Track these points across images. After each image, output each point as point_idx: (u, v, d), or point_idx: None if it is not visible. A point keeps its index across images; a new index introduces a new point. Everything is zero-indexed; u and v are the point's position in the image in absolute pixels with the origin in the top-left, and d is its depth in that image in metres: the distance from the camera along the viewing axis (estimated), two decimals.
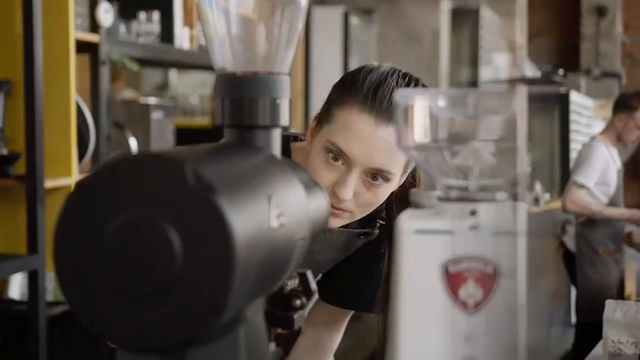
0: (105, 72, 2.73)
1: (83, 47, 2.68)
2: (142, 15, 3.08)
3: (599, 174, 4.16)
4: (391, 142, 1.22)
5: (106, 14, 2.69)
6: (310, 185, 0.90)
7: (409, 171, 1.33)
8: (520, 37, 5.53)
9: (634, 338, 1.92)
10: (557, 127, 7.28)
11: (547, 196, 6.58)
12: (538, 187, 6.53)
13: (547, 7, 8.26)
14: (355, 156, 1.23)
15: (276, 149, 0.85)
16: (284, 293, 0.89)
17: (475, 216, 0.71)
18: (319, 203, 0.89)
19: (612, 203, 4.23)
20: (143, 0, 3.04)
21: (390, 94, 1.25)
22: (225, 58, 0.86)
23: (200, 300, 0.63)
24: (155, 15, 3.07)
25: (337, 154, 1.24)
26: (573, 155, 7.23)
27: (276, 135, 0.85)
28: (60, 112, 2.51)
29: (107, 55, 2.71)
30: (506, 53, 5.41)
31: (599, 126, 8.48)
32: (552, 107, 7.02)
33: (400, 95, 0.73)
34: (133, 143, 2.96)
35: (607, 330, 1.94)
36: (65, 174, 2.54)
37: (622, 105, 4.23)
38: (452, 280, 0.70)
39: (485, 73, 5.39)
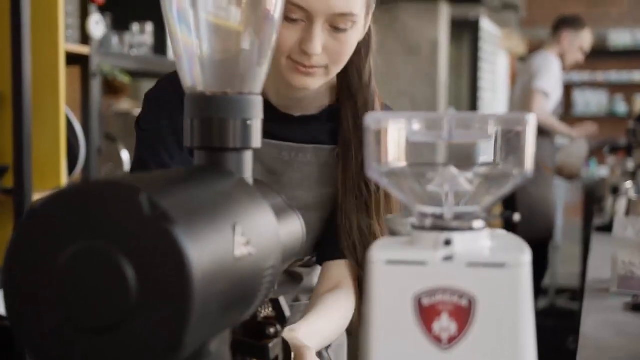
0: (96, 85, 2.70)
1: (74, 59, 2.65)
2: (135, 26, 3.05)
3: (553, 84, 4.23)
4: None
5: (97, 26, 2.66)
6: (284, 209, 0.87)
7: (371, 12, 1.30)
8: None
9: None
10: (467, 53, 7.31)
11: None
12: (452, 112, 6.54)
13: None
14: (312, 7, 1.18)
15: (247, 171, 0.82)
16: (257, 321, 0.86)
17: (450, 246, 0.68)
18: (292, 227, 0.86)
19: None
20: (136, 11, 3.02)
21: None
22: (194, 77, 0.83)
23: (155, 336, 0.60)
24: (149, 26, 3.04)
25: (294, 12, 1.19)
26: (481, 84, 7.32)
27: (247, 158, 0.82)
28: (50, 125, 2.48)
29: (98, 67, 2.68)
30: None
31: (503, 56, 8.58)
32: (461, 33, 7.06)
33: (372, 118, 0.70)
34: (125, 156, 2.93)
35: (616, 250, 1.82)
36: (55, 188, 2.51)
37: (569, 23, 4.32)
38: (426, 313, 0.67)
39: None
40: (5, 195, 2.41)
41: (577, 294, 5.25)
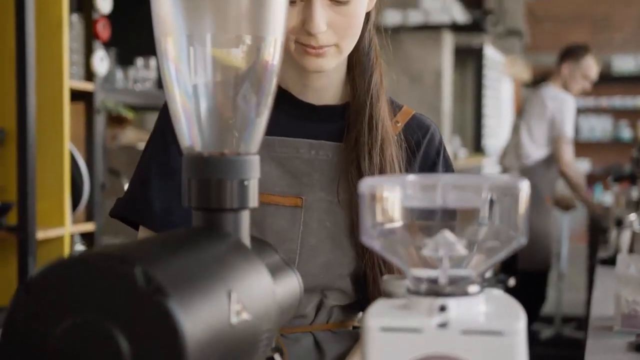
0: (100, 121, 2.72)
1: (78, 95, 2.67)
2: (140, 61, 3.07)
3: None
4: None
5: (102, 62, 2.68)
6: (280, 267, 0.87)
7: None
8: None
9: None
10: (470, 82, 7.33)
11: (463, 152, 6.56)
12: (457, 141, 6.50)
13: None
14: None
15: (244, 231, 0.82)
16: None
17: (445, 312, 0.68)
18: (288, 287, 0.86)
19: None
20: (141, 46, 3.04)
21: None
22: (192, 137, 0.83)
23: None
24: (153, 61, 3.06)
25: None
26: (485, 111, 7.33)
27: (245, 217, 0.83)
28: (54, 162, 2.49)
29: (102, 103, 2.70)
30: None
31: (507, 83, 8.62)
32: (465, 60, 7.08)
33: (366, 184, 0.71)
34: None
35: (620, 288, 1.77)
36: (59, 225, 2.52)
37: (569, 54, 4.39)
38: None
39: (414, 16, 5.38)
40: (8, 233, 2.41)
41: (584, 322, 5.22)
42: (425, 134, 1.30)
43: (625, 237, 3.00)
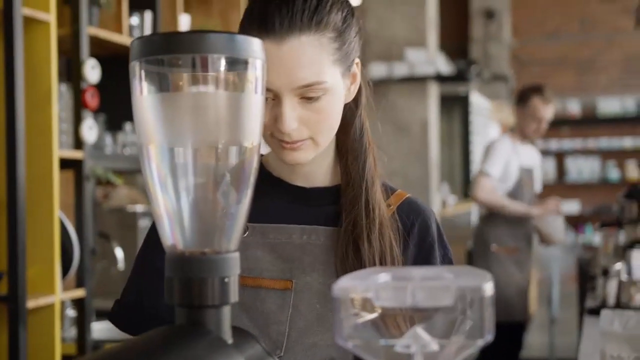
0: (89, 188, 2.75)
1: (68, 163, 2.71)
2: (128, 126, 3.12)
3: (502, 166, 4.25)
4: (306, 51, 1.14)
5: (90, 131, 2.73)
6: (262, 357, 0.90)
7: (355, 66, 1.23)
8: (431, 30, 5.58)
9: (637, 352, 1.74)
10: (457, 128, 7.39)
11: (453, 198, 6.59)
12: (445, 189, 6.53)
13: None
14: (273, 85, 1.13)
15: (226, 326, 0.86)
16: None
17: None
18: None
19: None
20: (129, 111, 3.08)
21: (284, 1, 1.15)
22: (174, 237, 0.87)
23: None
24: None
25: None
26: (474, 157, 7.38)
27: (226, 312, 0.86)
28: (44, 230, 2.52)
29: (92, 170, 2.74)
30: (422, 50, 5.44)
31: (494, 127, 8.70)
32: (451, 107, 7.14)
33: (339, 287, 0.74)
34: (119, 254, 2.97)
35: (604, 343, 1.79)
36: (49, 292, 2.54)
37: (518, 99, 4.41)
38: None
39: (399, 68, 5.45)
40: None
41: None
42: (417, 217, 1.29)
43: (612, 286, 3.03)
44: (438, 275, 0.77)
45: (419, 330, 0.75)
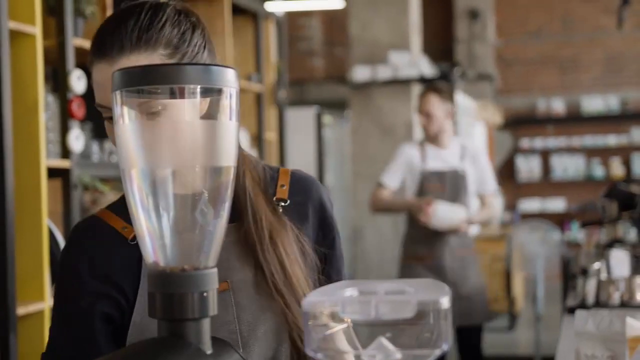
0: (76, 196, 2.80)
1: (55, 172, 2.76)
2: None
3: (401, 175, 4.14)
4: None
5: (77, 140, 2.78)
6: None
7: None
8: (414, 33, 5.63)
9: (610, 351, 1.79)
10: None
11: None
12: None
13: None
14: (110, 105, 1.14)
15: (205, 337, 0.91)
16: None
17: None
18: None
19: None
20: None
21: (117, 24, 1.20)
22: (155, 254, 0.92)
23: None
24: None
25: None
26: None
27: (205, 325, 0.92)
28: (32, 239, 2.57)
29: (79, 179, 2.79)
30: (405, 52, 5.44)
31: (480, 127, 8.79)
32: None
33: (307, 302, 0.80)
34: None
35: (579, 343, 1.82)
36: (38, 299, 2.59)
37: None
38: None
39: (383, 71, 5.46)
40: None
41: None
42: (310, 189, 1.36)
43: (591, 285, 3.09)
44: (400, 289, 0.83)
45: (383, 340, 0.81)
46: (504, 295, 7.27)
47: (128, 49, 1.19)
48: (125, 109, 0.91)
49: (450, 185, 4.16)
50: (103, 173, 3.05)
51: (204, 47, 1.26)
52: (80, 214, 2.80)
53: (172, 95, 0.92)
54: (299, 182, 1.36)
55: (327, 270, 1.37)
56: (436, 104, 4.07)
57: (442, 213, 3.99)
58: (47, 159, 2.67)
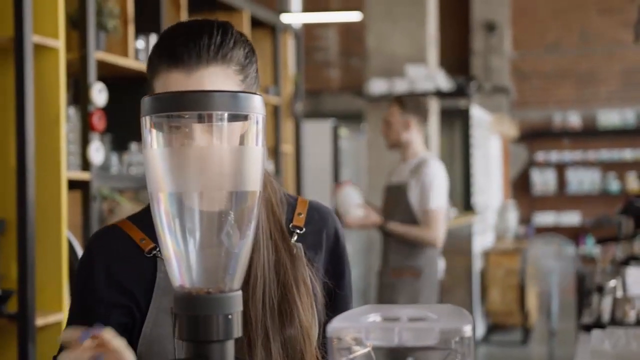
0: (95, 207, 2.83)
1: (75, 184, 2.79)
2: (134, 146, 3.20)
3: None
4: (214, 80, 1.21)
5: (97, 153, 2.81)
6: None
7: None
8: (431, 46, 5.62)
9: None
10: (458, 141, 7.44)
11: (454, 211, 6.64)
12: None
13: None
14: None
15: (229, 359, 0.93)
16: None
17: None
18: None
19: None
20: (135, 132, 3.17)
21: (191, 36, 1.22)
22: (182, 278, 0.94)
23: None
24: None
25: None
26: (474, 170, 7.42)
27: (230, 347, 0.93)
28: (52, 250, 2.60)
29: (98, 191, 2.82)
30: (422, 66, 5.45)
31: (495, 140, 8.77)
32: (452, 121, 7.18)
33: (332, 328, 0.82)
34: None
35: None
36: (57, 310, 2.61)
37: None
38: None
39: (400, 85, 5.47)
40: (9, 320, 2.50)
41: None
42: (326, 221, 1.38)
43: (607, 303, 3.08)
44: (422, 315, 0.85)
45: None
46: (517, 309, 7.25)
47: (205, 61, 1.21)
48: (154, 134, 0.92)
49: (390, 198, 4.11)
50: (121, 185, 3.08)
51: (257, 74, 1.30)
52: (98, 225, 2.82)
53: (200, 120, 0.93)
54: (315, 212, 1.38)
55: (334, 304, 1.35)
56: (395, 114, 4.07)
57: (342, 196, 3.99)
58: (68, 171, 2.70)
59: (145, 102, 0.92)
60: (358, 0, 7.02)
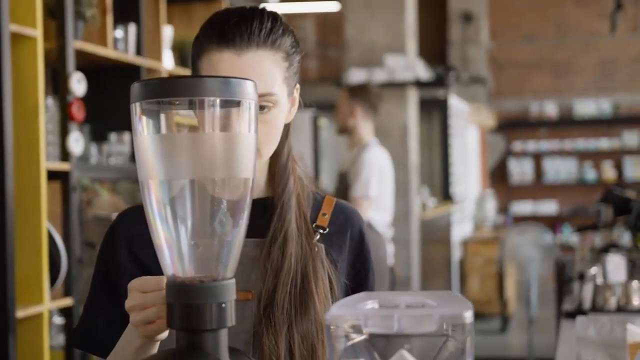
0: (75, 198, 2.80)
1: (55, 174, 2.76)
2: (113, 136, 3.17)
3: None
4: (262, 63, 1.23)
5: (77, 143, 2.77)
6: None
7: (295, 92, 1.31)
8: (410, 36, 5.64)
9: (610, 357, 1.80)
10: (436, 131, 7.49)
11: (432, 201, 6.69)
12: (425, 192, 6.61)
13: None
14: None
15: (223, 347, 0.92)
16: None
17: None
18: None
19: None
20: (114, 122, 3.14)
21: (243, 19, 1.24)
22: (174, 267, 0.93)
23: None
24: (126, 136, 3.16)
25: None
26: (452, 159, 7.48)
27: (223, 335, 0.92)
28: (32, 241, 2.56)
29: (78, 181, 2.78)
30: (401, 56, 5.48)
31: (473, 130, 8.81)
32: (430, 111, 7.23)
33: (331, 315, 0.81)
34: None
35: (580, 349, 1.83)
36: (37, 302, 2.58)
37: None
38: None
39: (379, 74, 5.50)
40: None
41: None
42: (350, 221, 1.38)
43: (588, 290, 3.09)
44: (421, 302, 0.84)
45: (404, 352, 0.81)
46: (496, 297, 7.29)
47: (255, 44, 1.23)
48: (145, 120, 0.91)
49: (339, 185, 4.20)
50: (101, 175, 3.05)
51: (299, 62, 1.32)
52: (78, 215, 2.79)
53: (191, 107, 0.92)
54: (341, 213, 1.38)
55: None
56: (344, 100, 4.15)
57: None
58: (47, 162, 2.66)
59: (135, 88, 0.90)
60: None
